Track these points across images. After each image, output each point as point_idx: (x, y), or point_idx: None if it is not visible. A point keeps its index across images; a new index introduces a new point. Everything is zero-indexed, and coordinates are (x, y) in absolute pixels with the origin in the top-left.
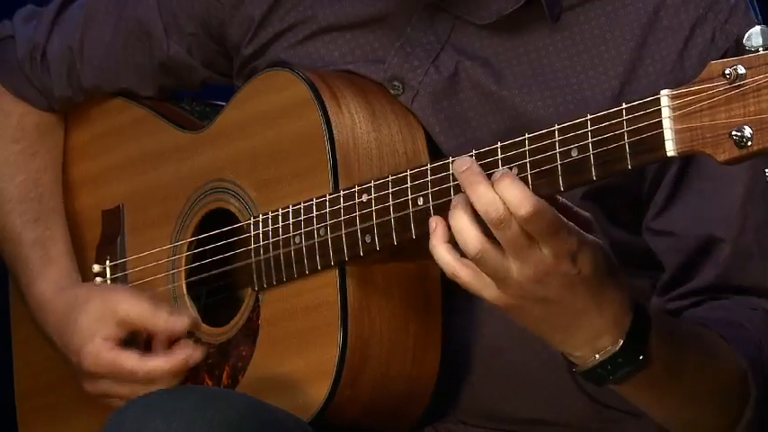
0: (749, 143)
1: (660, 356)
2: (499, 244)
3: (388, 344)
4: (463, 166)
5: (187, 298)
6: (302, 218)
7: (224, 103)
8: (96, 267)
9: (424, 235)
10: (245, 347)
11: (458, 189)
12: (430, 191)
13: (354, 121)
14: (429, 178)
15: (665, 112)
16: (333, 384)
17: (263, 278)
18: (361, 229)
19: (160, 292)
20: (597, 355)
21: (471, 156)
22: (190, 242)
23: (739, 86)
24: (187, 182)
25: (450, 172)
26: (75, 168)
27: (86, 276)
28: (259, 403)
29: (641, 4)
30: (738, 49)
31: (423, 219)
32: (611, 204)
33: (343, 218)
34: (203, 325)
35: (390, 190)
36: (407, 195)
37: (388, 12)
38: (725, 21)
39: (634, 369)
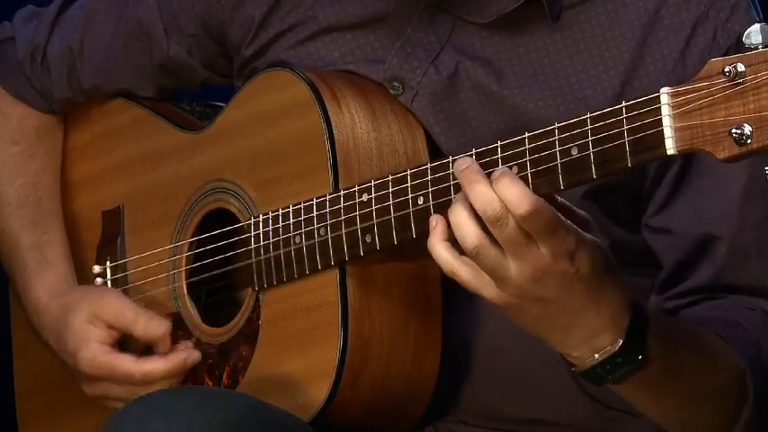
0: (749, 141)
1: (658, 356)
2: (495, 242)
3: (388, 344)
4: (463, 165)
5: (187, 298)
6: (302, 218)
7: (224, 104)
8: (97, 268)
9: (425, 234)
10: (245, 348)
11: (458, 188)
12: (430, 190)
13: (354, 121)
14: (429, 178)
15: (665, 110)
16: (333, 384)
17: (264, 278)
18: (361, 228)
19: (160, 293)
20: (596, 355)
21: (471, 155)
22: (190, 242)
23: (739, 84)
24: (187, 182)
25: (450, 171)
26: (76, 169)
27: (87, 277)
28: (259, 403)
29: (642, 2)
30: (739, 47)
31: (423, 218)
32: (612, 203)
33: (343, 217)
34: (203, 325)
35: (390, 189)
36: (408, 195)
37: (388, 12)
38: (726, 19)
39: (633, 368)
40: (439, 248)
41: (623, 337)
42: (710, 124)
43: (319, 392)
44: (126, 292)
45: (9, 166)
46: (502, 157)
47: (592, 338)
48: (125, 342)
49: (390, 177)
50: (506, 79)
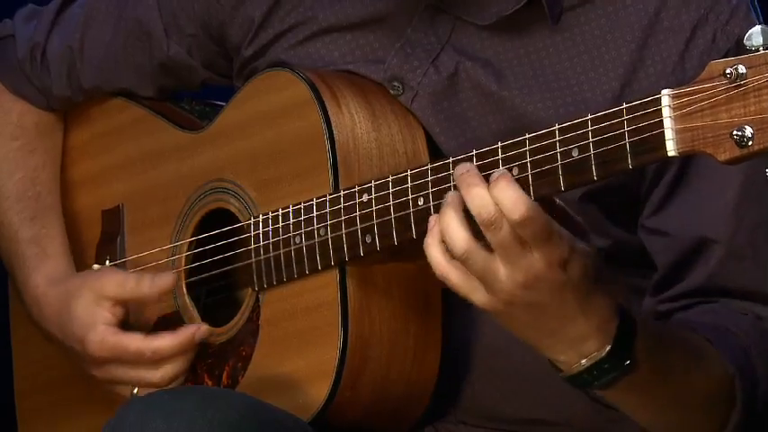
0: (750, 143)
1: (646, 361)
2: (487, 246)
3: (388, 344)
4: (464, 168)
5: (187, 298)
6: (302, 218)
7: (224, 103)
8: (96, 267)
9: (425, 235)
10: (245, 347)
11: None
12: (430, 191)
13: (354, 121)
14: (429, 178)
15: (666, 112)
16: (333, 385)
17: (264, 278)
18: (361, 228)
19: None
20: (583, 361)
21: (472, 156)
22: (190, 242)
23: (740, 86)
24: (187, 182)
25: (451, 172)
26: (75, 168)
27: None
28: (259, 403)
29: (642, 5)
30: (739, 49)
31: (423, 219)
32: (611, 203)
33: (343, 218)
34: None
35: (391, 190)
36: (408, 195)
37: (388, 12)
38: (726, 22)
39: (620, 374)
40: (434, 250)
41: (610, 343)
42: (711, 126)
43: (319, 393)
44: None
45: (8, 161)
46: (502, 158)
47: (579, 344)
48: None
49: (390, 178)
50: (506, 80)
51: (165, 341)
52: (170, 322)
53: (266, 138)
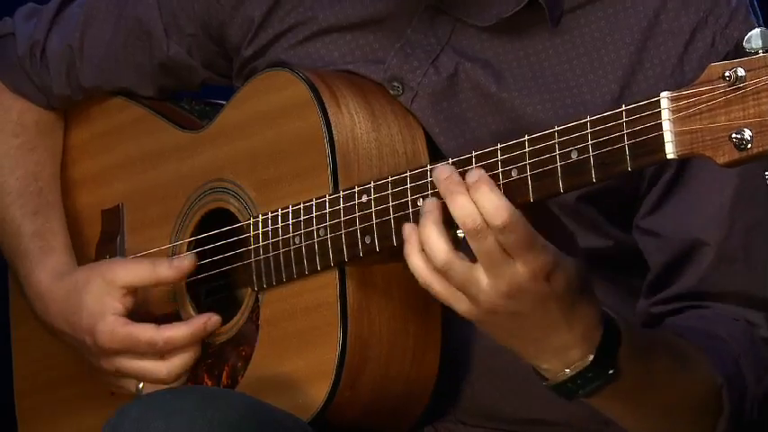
0: (749, 146)
1: (630, 370)
2: (468, 257)
3: (387, 344)
4: (444, 174)
5: (187, 297)
6: (302, 218)
7: (224, 103)
8: None
9: None
10: (244, 348)
11: None
12: (430, 192)
13: (354, 122)
14: (429, 179)
15: (665, 115)
16: (332, 385)
17: (263, 278)
18: (360, 229)
19: (159, 292)
20: (567, 370)
21: (471, 158)
22: (189, 242)
23: (739, 89)
24: (187, 181)
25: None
26: (75, 167)
27: None
28: (259, 403)
29: (642, 7)
30: (738, 52)
31: None
32: (610, 204)
33: (342, 218)
34: None
35: (390, 191)
36: (407, 196)
37: (388, 13)
38: (725, 25)
39: (603, 383)
40: (415, 260)
41: (594, 352)
42: (710, 129)
43: (318, 393)
44: None
45: (9, 158)
46: (502, 160)
47: (563, 353)
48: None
49: (390, 178)
50: (505, 81)
51: (176, 330)
52: (170, 322)
53: (266, 138)
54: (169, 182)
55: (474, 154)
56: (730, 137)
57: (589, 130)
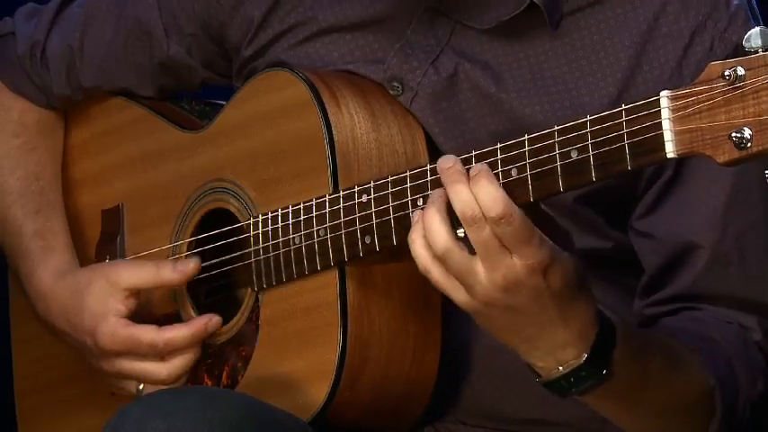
0: (749, 144)
1: (624, 370)
2: (469, 248)
3: (387, 344)
4: (447, 163)
5: (187, 297)
6: (302, 218)
7: (224, 103)
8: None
9: None
10: (244, 348)
11: None
12: (429, 191)
13: (354, 122)
14: (429, 179)
15: (665, 114)
16: (332, 385)
17: (263, 278)
18: (360, 229)
19: (159, 292)
20: (561, 368)
21: (471, 157)
22: (189, 242)
23: (739, 88)
24: (187, 181)
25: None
26: (75, 167)
27: None
28: (259, 403)
29: (641, 10)
30: (737, 55)
31: None
32: (609, 204)
33: (342, 218)
34: None
35: (390, 190)
36: (407, 196)
37: (387, 14)
38: (724, 29)
39: (597, 383)
40: (418, 246)
41: (588, 351)
42: (710, 128)
43: (318, 393)
44: None
45: (10, 158)
46: (501, 159)
47: (558, 351)
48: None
49: (390, 178)
50: (505, 83)
51: (177, 331)
52: (170, 323)
53: (266, 138)
54: (169, 182)
55: (474, 153)
56: (730, 136)
57: (589, 130)
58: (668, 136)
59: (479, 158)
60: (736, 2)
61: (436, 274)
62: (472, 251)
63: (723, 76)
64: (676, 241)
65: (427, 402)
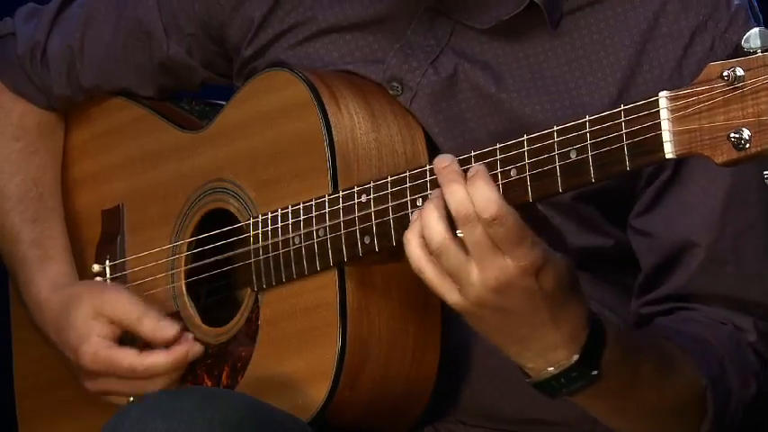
0: (747, 145)
1: (615, 372)
2: (464, 248)
3: (387, 344)
4: (443, 162)
5: (187, 298)
6: (301, 218)
7: (224, 103)
8: (96, 267)
9: None
10: (244, 348)
11: None
12: (429, 192)
13: (354, 122)
14: (428, 179)
15: (664, 114)
16: (332, 385)
17: (263, 278)
18: (359, 229)
19: (159, 292)
20: (551, 368)
21: (471, 157)
22: (189, 242)
23: (738, 88)
24: (187, 181)
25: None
26: (75, 167)
27: (86, 276)
28: (259, 403)
29: (641, 10)
30: (737, 56)
31: None
32: (608, 203)
33: (342, 219)
34: (203, 325)
35: (389, 190)
36: (406, 196)
37: (387, 14)
38: (724, 30)
39: (587, 383)
40: (413, 244)
41: (579, 352)
42: (709, 128)
43: (318, 393)
44: None
45: (10, 162)
46: (501, 159)
47: (548, 352)
48: (125, 337)
49: (389, 179)
50: (505, 83)
51: (158, 358)
52: (170, 323)
53: (266, 138)
54: (169, 182)
55: (473, 154)
56: (729, 136)
57: (588, 130)
58: (667, 136)
59: (479, 159)
60: (736, 2)
61: (429, 272)
62: (466, 251)
63: (722, 77)
64: (673, 240)
65: (427, 402)
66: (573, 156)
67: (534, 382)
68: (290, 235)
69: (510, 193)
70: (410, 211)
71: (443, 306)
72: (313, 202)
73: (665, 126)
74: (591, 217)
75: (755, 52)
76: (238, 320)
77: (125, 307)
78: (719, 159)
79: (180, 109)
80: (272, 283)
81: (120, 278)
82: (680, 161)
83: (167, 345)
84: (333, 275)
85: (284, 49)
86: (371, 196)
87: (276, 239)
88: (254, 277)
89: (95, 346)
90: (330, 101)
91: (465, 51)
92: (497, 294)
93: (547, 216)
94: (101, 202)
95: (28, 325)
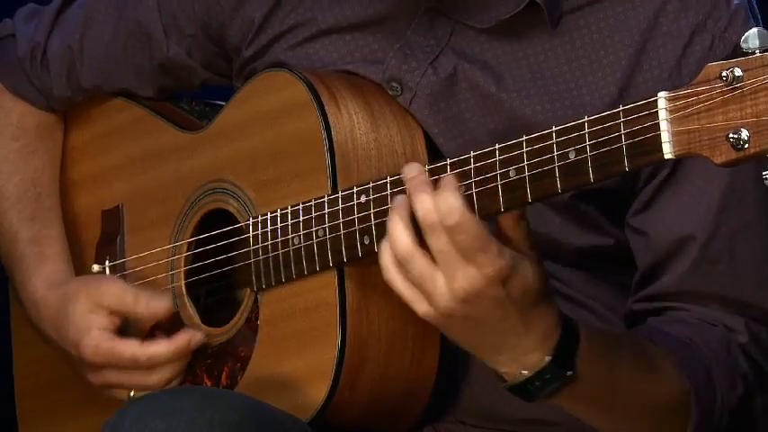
0: (746, 145)
1: (591, 371)
2: (431, 257)
3: (386, 344)
4: (412, 172)
5: (186, 298)
6: (301, 219)
7: (223, 103)
8: (96, 267)
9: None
10: (244, 348)
11: None
12: None
13: (353, 122)
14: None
15: (663, 115)
16: (331, 385)
17: (262, 279)
18: (359, 230)
19: (158, 292)
20: (525, 371)
21: (470, 157)
22: (189, 242)
23: (736, 89)
24: (186, 182)
25: (450, 173)
26: (75, 168)
27: None
28: (258, 403)
29: (642, 9)
30: (736, 55)
31: None
32: (607, 202)
33: (341, 219)
34: (202, 325)
35: (389, 191)
36: None
37: (387, 15)
38: (724, 29)
39: (561, 384)
40: (384, 254)
41: (551, 354)
42: (708, 129)
43: (318, 393)
44: None
45: (9, 162)
46: (500, 160)
47: (521, 357)
48: (125, 331)
49: (389, 179)
50: (505, 82)
51: (160, 347)
52: (169, 322)
53: (265, 138)
54: (169, 182)
55: (472, 154)
56: (727, 137)
57: (587, 131)
58: (666, 137)
59: (478, 159)
60: (736, 1)
61: (399, 283)
62: (433, 261)
63: (721, 77)
64: (669, 239)
65: (426, 402)
66: (572, 156)
67: (509, 386)
68: (290, 235)
69: (509, 193)
70: None
71: None
72: (312, 203)
73: (664, 126)
74: (591, 216)
75: (754, 52)
76: (238, 320)
77: (120, 293)
78: (718, 160)
79: (180, 109)
80: (272, 284)
81: (119, 279)
82: (677, 161)
83: (168, 333)
84: (332, 276)
85: (284, 49)
86: (371, 197)
87: (276, 240)
88: (253, 277)
89: (96, 338)
90: (329, 101)
91: (465, 51)
92: (465, 304)
93: (546, 216)
94: (100, 203)
95: (27, 325)
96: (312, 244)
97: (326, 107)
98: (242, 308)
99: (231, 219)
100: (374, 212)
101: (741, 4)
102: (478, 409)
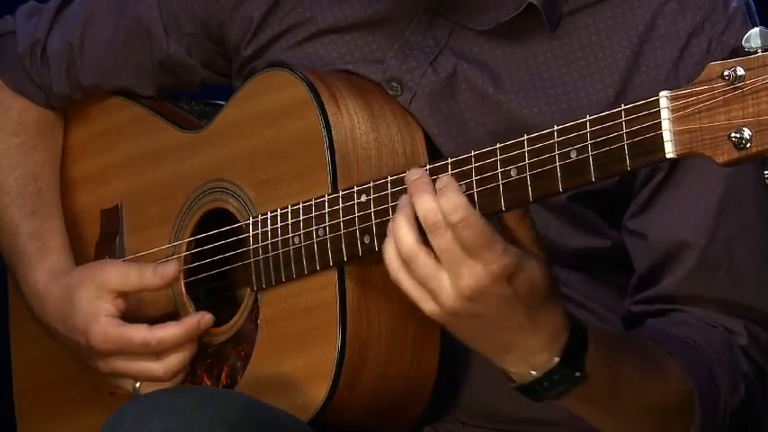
0: (748, 145)
1: (598, 372)
2: (435, 256)
3: (386, 344)
4: (415, 175)
5: (186, 298)
6: (301, 218)
7: (223, 103)
8: None
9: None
10: (243, 347)
11: None
12: None
13: (353, 122)
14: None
15: (665, 114)
16: (331, 385)
17: (262, 278)
18: (359, 229)
19: (159, 292)
20: (534, 372)
21: (471, 157)
22: (188, 242)
23: (738, 88)
24: (186, 181)
25: (450, 173)
26: (75, 167)
27: None
28: (258, 403)
29: (640, 11)
30: (737, 55)
31: None
32: (604, 203)
33: (341, 218)
34: None
35: (389, 190)
36: None
37: (387, 15)
38: (721, 32)
39: (570, 385)
40: (389, 253)
41: (560, 354)
42: (710, 128)
43: (318, 393)
44: None
45: (9, 157)
46: (501, 159)
47: (529, 357)
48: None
49: (389, 178)
50: (503, 84)
51: (170, 330)
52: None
53: (265, 138)
54: (168, 182)
55: (473, 154)
56: (729, 136)
57: (588, 130)
58: (668, 136)
59: (479, 158)
60: (734, 4)
61: (405, 282)
62: (437, 260)
63: (723, 77)
64: (667, 242)
65: (426, 402)
66: (573, 155)
67: (518, 386)
68: (290, 235)
69: (510, 192)
70: None
71: None
72: (312, 202)
73: (666, 126)
74: (588, 219)
75: (756, 52)
76: (238, 320)
77: (124, 273)
78: (720, 159)
79: (179, 109)
80: (272, 283)
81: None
82: (675, 162)
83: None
84: (332, 275)
85: (284, 49)
86: (371, 196)
87: (276, 239)
88: (253, 277)
89: (105, 325)
90: (330, 101)
91: (464, 52)
92: (471, 302)
93: (543, 218)
94: (100, 202)
95: (27, 323)
96: (312, 243)
97: (326, 107)
98: (242, 307)
99: (231, 218)
100: (375, 212)
101: (739, 7)
102: (478, 409)
